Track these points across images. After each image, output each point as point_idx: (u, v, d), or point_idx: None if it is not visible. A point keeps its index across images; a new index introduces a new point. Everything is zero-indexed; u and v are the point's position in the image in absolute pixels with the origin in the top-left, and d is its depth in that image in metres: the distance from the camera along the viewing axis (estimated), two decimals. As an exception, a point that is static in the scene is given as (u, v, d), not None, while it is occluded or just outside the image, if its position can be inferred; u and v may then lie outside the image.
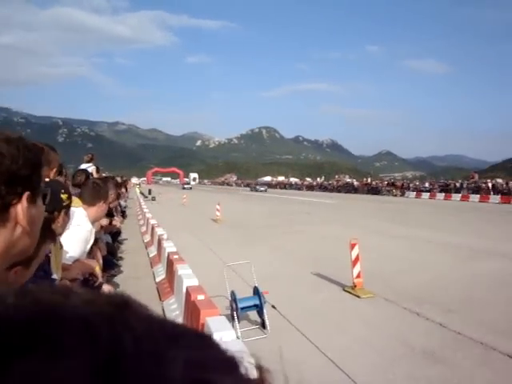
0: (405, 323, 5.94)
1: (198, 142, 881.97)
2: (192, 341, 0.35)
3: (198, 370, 0.31)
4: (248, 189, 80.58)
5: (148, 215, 15.16)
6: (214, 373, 0.32)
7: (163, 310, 6.31)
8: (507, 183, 45.56)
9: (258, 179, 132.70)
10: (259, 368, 0.34)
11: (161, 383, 0.29)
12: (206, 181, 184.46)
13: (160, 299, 6.98)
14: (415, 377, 4.33)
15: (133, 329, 0.32)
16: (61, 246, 2.60)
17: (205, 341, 0.36)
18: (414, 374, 4.38)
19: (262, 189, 71.71)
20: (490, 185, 45.55)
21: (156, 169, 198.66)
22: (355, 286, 7.31)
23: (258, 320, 5.75)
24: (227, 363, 0.35)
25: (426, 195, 48.74)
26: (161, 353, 0.31)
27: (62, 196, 2.34)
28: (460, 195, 44.62)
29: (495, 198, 40.22)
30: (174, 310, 6.04)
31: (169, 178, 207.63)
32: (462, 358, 4.77)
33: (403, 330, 5.66)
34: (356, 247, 7.29)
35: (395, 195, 53.15)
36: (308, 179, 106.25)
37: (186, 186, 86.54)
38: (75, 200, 3.03)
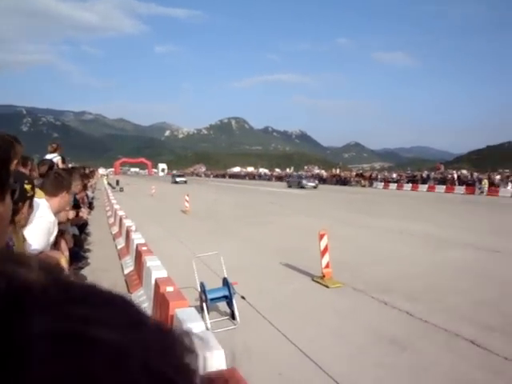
0: (373, 312, 6.02)
1: (167, 133, 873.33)
2: (87, 299, 0.33)
3: (71, 322, 0.30)
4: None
5: (116, 206, 14.96)
6: (90, 326, 0.31)
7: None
8: (472, 174, 46.72)
9: (228, 170, 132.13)
10: (182, 331, 0.34)
11: (19, 334, 0.29)
12: (174, 171, 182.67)
13: (128, 291, 6.90)
14: (383, 364, 4.39)
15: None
16: (24, 239, 2.52)
17: (104, 299, 0.34)
18: (382, 362, 4.44)
19: (312, 184, 48.56)
20: (455, 176, 46.54)
21: (124, 159, 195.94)
22: (324, 276, 7.36)
23: (228, 311, 5.74)
24: (123, 319, 0.33)
25: (393, 186, 49.53)
26: (31, 308, 0.31)
27: (26, 187, 2.27)
28: (427, 186, 45.55)
29: (460, 189, 41.25)
30: (143, 302, 5.97)
31: (137, 169, 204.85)
32: (427, 344, 4.87)
33: (371, 318, 5.74)
34: (325, 238, 7.33)
35: (364, 186, 53.78)
36: (277, 170, 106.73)
37: (178, 180, 63.48)
38: (38, 191, 2.95)
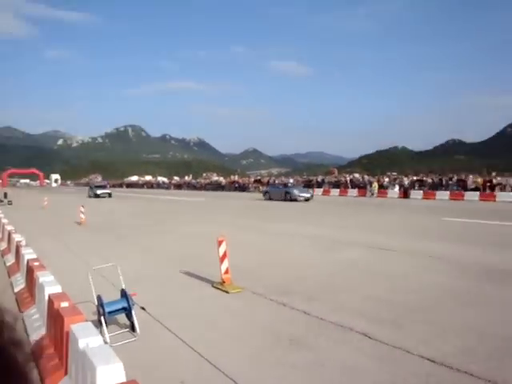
0: (272, 314, 6.18)
1: (60, 141, 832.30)
2: None
3: None
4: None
5: (4, 221, 14.11)
6: None
7: (24, 321, 5.92)
8: (363, 178, 49.18)
9: (125, 179, 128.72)
10: None
11: None
12: (68, 182, 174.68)
13: (20, 310, 6.55)
14: (282, 363, 4.53)
15: None
16: None
17: None
18: (281, 361, 4.58)
19: (307, 195, 34.97)
20: (348, 179, 48.76)
21: (13, 170, 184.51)
22: (224, 282, 7.45)
23: (128, 323, 5.63)
24: None
25: (290, 191, 50.80)
26: None
27: None
28: (322, 190, 47.30)
29: (353, 192, 43.41)
30: (36, 321, 5.71)
31: (28, 180, 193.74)
32: (324, 341, 5.10)
33: (270, 320, 5.90)
34: (223, 244, 7.43)
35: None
36: (176, 178, 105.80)
37: (100, 192, 46.34)
38: None
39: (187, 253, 11.08)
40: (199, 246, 11.77)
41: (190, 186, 74.00)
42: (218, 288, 7.47)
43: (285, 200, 34.00)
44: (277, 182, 57.70)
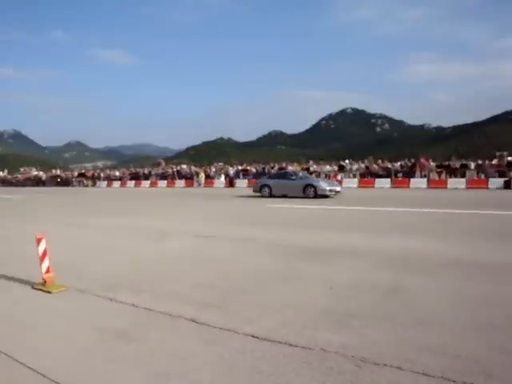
0: (98, 310, 6.01)
1: None
2: None
3: None
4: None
5: None
6: None
7: None
8: (190, 168, 49.89)
9: None
10: None
11: None
12: None
13: None
14: (110, 358, 4.45)
15: None
16: None
17: None
18: (109, 357, 4.50)
19: (337, 188, 24.60)
20: (175, 170, 49.04)
21: None
22: (45, 282, 7.05)
23: None
24: None
25: (117, 184, 49.86)
26: None
27: None
28: (149, 182, 47.03)
29: (180, 183, 43.84)
30: None
31: None
32: (153, 331, 5.12)
33: (97, 317, 5.73)
34: (43, 242, 7.03)
35: (87, 186, 52.93)
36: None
37: None
38: None
39: (2, 254, 10.24)
40: (16, 246, 10.97)
41: (5, 182, 68.33)
42: (40, 289, 7.03)
43: (303, 197, 23.74)
44: (102, 175, 56.04)
